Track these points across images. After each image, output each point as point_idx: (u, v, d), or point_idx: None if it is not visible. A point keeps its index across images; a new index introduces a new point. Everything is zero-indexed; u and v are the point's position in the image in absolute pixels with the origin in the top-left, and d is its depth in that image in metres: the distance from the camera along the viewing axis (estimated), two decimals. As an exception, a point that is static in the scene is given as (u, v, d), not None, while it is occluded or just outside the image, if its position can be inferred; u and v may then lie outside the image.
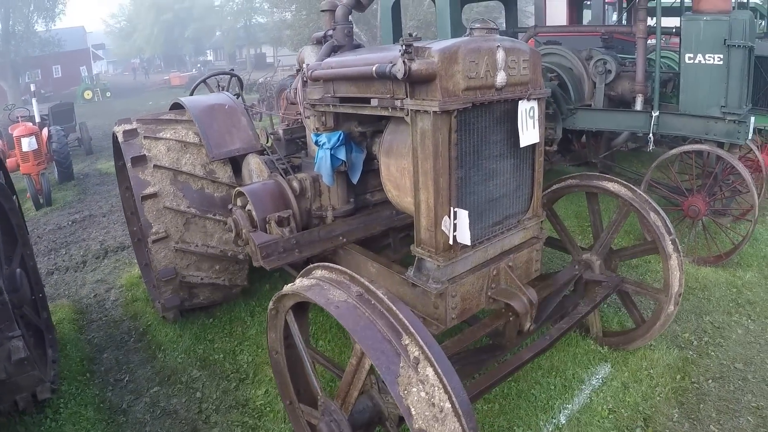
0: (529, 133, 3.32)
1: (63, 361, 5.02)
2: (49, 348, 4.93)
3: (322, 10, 4.53)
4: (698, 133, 6.63)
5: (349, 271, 2.71)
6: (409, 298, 3.46)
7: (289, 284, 2.96)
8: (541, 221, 3.80)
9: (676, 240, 4.09)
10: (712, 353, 4.75)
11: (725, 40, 6.11)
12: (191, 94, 6.42)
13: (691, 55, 6.46)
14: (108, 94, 40.81)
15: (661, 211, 4.13)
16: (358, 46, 4.45)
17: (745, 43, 6.06)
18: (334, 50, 4.23)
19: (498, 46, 3.06)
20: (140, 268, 6.41)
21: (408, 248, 3.45)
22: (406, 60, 2.78)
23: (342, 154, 3.91)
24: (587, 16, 13.75)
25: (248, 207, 4.14)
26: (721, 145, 6.49)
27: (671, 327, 5.06)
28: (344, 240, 4.04)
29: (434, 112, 2.83)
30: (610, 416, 4.04)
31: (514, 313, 3.45)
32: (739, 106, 6.25)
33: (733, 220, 7.29)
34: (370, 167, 4.24)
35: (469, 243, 3.15)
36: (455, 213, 3.09)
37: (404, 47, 2.78)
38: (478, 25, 3.13)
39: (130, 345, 5.34)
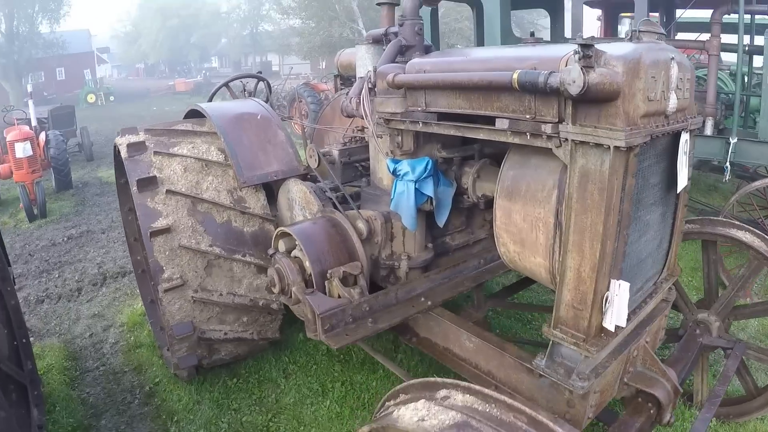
0: (684, 173, 2.59)
1: (51, 429, 4.01)
2: (35, 408, 3.87)
3: (379, 3, 3.71)
4: None
5: (512, 402, 1.71)
6: (526, 388, 2.71)
7: (394, 418, 1.91)
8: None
9: None
10: (823, 425, 4.09)
11: None
12: (210, 100, 5.43)
13: (776, 76, 6.05)
14: (111, 98, 39.84)
15: None
16: (429, 48, 3.54)
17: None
18: (401, 51, 3.31)
19: (672, 59, 2.29)
20: (144, 304, 5.37)
21: (491, 303, 2.94)
22: (584, 69, 1.87)
23: (429, 189, 2.94)
24: (622, 31, 12.86)
25: (295, 253, 3.14)
26: None
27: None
28: (429, 303, 3.04)
29: (616, 147, 1.98)
30: None
31: (655, 404, 2.80)
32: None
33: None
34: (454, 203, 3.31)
35: (625, 325, 2.33)
36: (618, 286, 2.24)
37: (582, 50, 1.89)
38: (644, 28, 2.32)
39: (134, 409, 4.29)
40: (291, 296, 3.07)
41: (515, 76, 2.12)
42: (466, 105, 2.60)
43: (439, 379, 1.97)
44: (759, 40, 7.96)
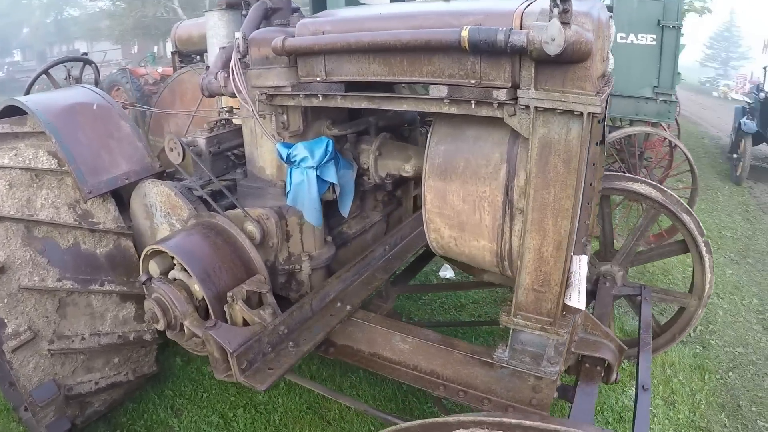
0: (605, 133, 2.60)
1: None
2: None
3: None
4: (629, 114, 6.90)
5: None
6: (481, 381, 2.46)
7: None
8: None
9: (708, 241, 3.79)
10: (713, 342, 4.72)
11: (659, 20, 6.21)
12: (27, 93, 4.47)
13: (624, 35, 6.45)
14: None
15: (693, 213, 3.79)
16: (297, 11, 3.10)
17: (677, 24, 6.24)
18: (266, 15, 2.84)
19: (611, 17, 2.18)
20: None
21: (397, 290, 2.97)
22: (562, 25, 1.63)
23: (332, 175, 2.49)
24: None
25: (175, 275, 2.53)
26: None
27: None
28: (348, 308, 2.60)
29: (589, 114, 1.78)
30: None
31: (602, 365, 2.77)
32: (671, 86, 6.49)
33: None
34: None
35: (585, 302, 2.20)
36: (580, 261, 2.13)
37: (560, 3, 1.62)
38: None
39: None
40: (182, 330, 2.47)
41: (465, 33, 1.76)
42: (384, 71, 2.17)
43: (450, 418, 1.54)
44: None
